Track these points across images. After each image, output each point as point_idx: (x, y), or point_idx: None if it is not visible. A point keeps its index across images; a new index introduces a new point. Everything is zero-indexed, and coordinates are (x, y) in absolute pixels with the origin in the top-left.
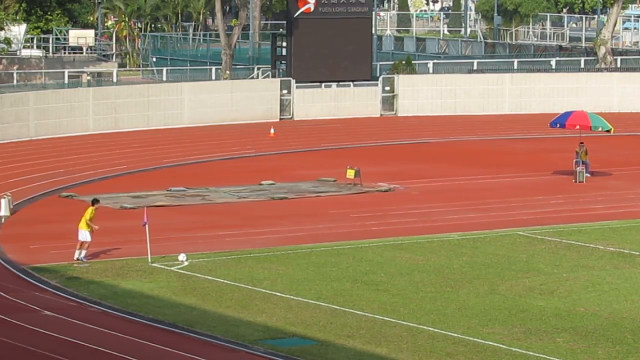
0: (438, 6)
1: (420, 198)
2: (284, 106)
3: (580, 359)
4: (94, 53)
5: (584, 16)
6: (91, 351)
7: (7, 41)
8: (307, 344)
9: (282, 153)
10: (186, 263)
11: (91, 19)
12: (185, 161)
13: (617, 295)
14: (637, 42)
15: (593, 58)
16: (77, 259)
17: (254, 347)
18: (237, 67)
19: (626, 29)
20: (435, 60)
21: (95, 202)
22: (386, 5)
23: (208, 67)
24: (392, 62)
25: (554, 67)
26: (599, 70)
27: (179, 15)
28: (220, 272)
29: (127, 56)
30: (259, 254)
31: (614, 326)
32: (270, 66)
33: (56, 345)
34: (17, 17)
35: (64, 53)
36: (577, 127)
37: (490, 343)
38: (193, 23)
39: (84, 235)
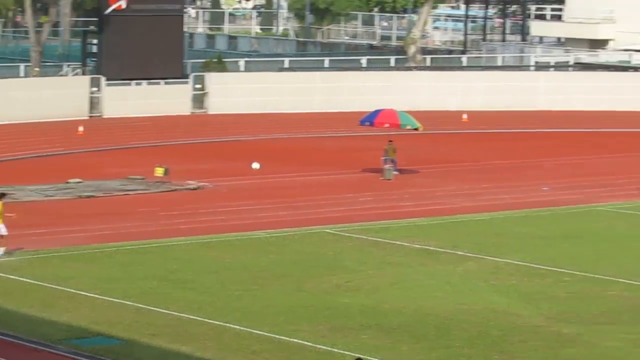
0: (251, 4)
1: (230, 196)
2: (93, 104)
3: (385, 355)
4: None
5: (394, 15)
6: None
7: None
8: (111, 343)
9: (91, 151)
10: None
11: None
12: None
13: (422, 291)
14: (447, 41)
15: (403, 57)
16: None
17: (57, 347)
18: (47, 64)
19: (436, 28)
20: (247, 59)
21: (1, 196)
22: (198, 2)
23: (17, 64)
24: (203, 60)
25: (364, 65)
26: (409, 68)
27: None
28: (25, 271)
29: None
30: (64, 253)
31: (418, 322)
32: (80, 63)
33: None
34: None
35: None
36: (386, 125)
37: (296, 340)
38: (2, 20)
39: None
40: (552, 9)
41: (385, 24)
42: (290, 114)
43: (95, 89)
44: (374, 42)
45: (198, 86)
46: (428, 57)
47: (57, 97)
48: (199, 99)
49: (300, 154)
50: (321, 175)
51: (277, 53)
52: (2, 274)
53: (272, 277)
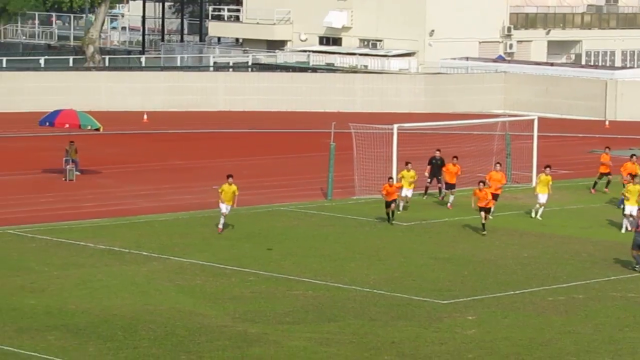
0: None
1: None
2: None
3: (72, 356)
4: None
5: (72, 15)
6: None
7: None
8: None
9: None
10: None
11: None
12: None
13: (108, 292)
14: (125, 41)
15: (82, 57)
16: None
17: None
18: None
19: (114, 28)
20: None
21: None
22: None
23: None
24: None
25: (43, 65)
26: (88, 69)
27: None
28: None
29: None
30: None
31: (105, 323)
32: None
33: None
34: None
35: None
36: (67, 125)
37: None
38: None
39: None
40: (229, 10)
41: (62, 23)
42: None
43: None
44: (52, 42)
45: None
46: (107, 57)
47: None
48: None
49: None
50: (2, 175)
51: None
52: None
53: None
